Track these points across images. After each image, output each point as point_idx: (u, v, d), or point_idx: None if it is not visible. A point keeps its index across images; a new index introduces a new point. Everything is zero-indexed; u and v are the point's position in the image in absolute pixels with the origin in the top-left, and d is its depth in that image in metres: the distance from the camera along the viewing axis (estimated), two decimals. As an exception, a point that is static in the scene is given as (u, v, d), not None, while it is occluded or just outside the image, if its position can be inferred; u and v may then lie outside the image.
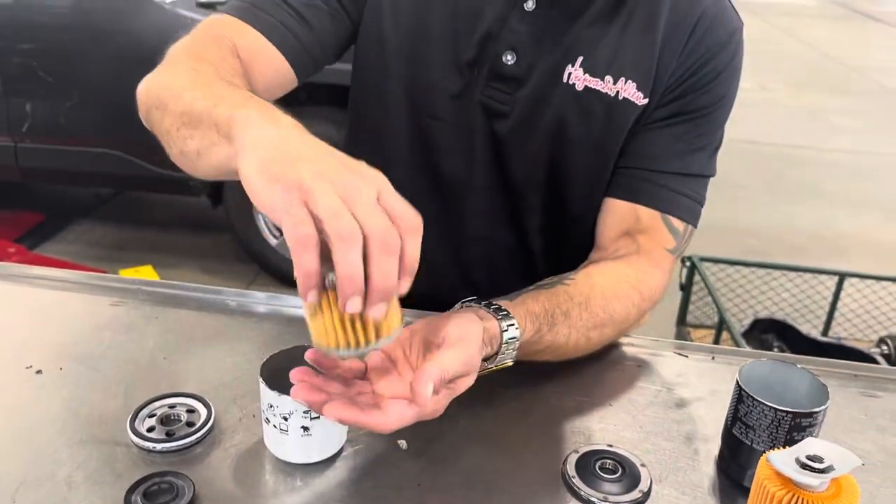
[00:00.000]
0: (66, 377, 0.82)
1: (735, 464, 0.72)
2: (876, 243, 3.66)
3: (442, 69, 0.91)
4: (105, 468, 0.70)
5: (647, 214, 0.90)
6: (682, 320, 2.40)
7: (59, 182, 3.47)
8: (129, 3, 2.76)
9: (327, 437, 0.71)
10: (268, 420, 0.71)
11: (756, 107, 5.42)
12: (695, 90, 0.87)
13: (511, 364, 0.76)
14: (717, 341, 2.15)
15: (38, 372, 0.83)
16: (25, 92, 2.87)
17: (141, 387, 0.81)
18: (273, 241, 2.86)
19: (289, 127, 0.60)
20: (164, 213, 3.55)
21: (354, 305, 0.54)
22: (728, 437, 0.73)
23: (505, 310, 0.74)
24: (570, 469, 0.72)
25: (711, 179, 0.94)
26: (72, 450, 0.72)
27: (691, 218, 0.92)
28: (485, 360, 0.72)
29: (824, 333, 2.44)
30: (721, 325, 2.12)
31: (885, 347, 2.24)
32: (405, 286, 0.56)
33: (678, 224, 0.91)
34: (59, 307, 0.97)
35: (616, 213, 0.92)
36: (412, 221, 0.56)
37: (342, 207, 0.53)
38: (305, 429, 0.70)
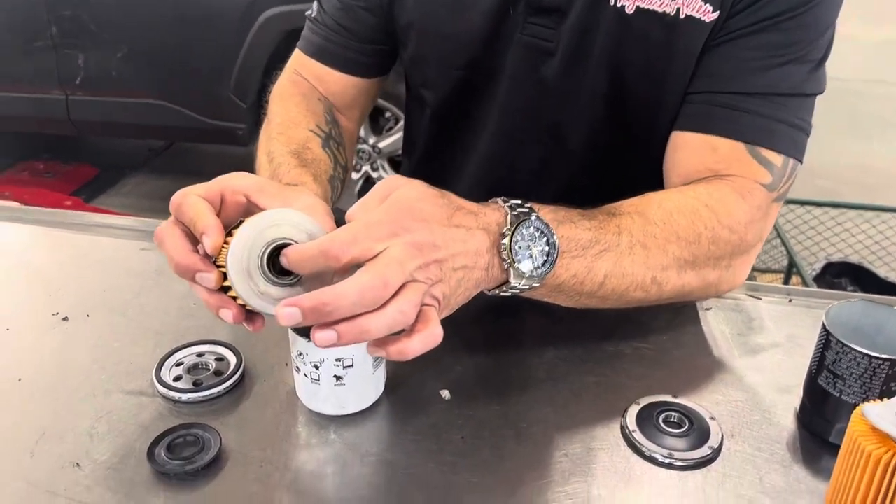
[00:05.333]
0: (93, 325, 0.78)
1: (820, 418, 0.64)
2: (958, 181, 3.43)
3: (476, 15, 0.82)
4: (129, 420, 0.66)
5: (727, 147, 0.74)
6: (748, 264, 2.28)
7: (111, 135, 3.49)
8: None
9: (363, 387, 0.66)
10: (298, 369, 0.65)
11: (827, 39, 5.08)
12: None
13: (535, 283, 0.61)
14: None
15: (65, 319, 0.79)
16: (76, 45, 2.87)
17: (169, 335, 0.76)
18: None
19: None
20: (215, 163, 3.55)
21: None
22: (812, 387, 0.64)
23: (520, 201, 0.62)
24: (631, 422, 0.65)
25: None
26: (96, 400, 0.68)
27: (791, 148, 0.75)
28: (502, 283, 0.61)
29: (904, 277, 2.28)
30: (790, 269, 2.00)
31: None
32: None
33: (772, 156, 0.74)
34: (87, 252, 0.93)
35: (687, 149, 0.77)
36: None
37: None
38: (338, 378, 0.64)
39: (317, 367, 0.64)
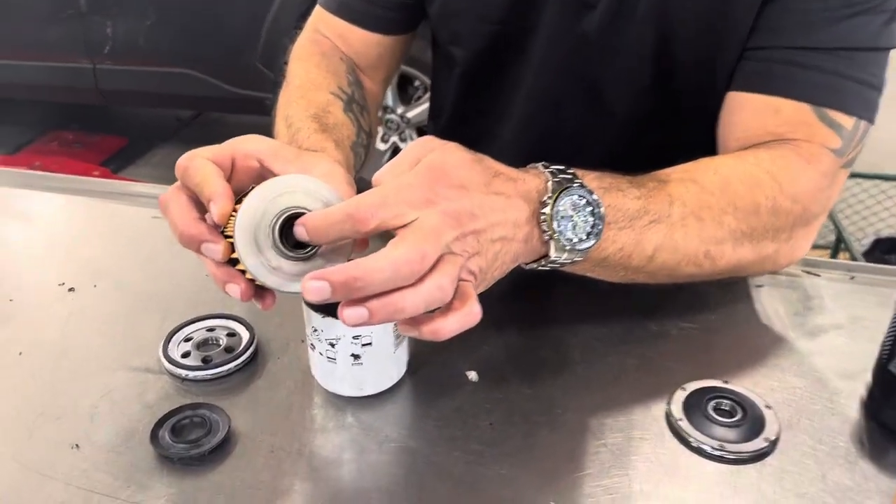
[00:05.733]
0: (100, 296, 0.74)
1: (891, 408, 0.57)
2: None
3: None
4: (133, 398, 0.61)
5: (791, 109, 0.66)
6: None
7: (139, 104, 3.47)
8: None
9: (382, 367, 0.61)
10: (313, 346, 0.60)
11: None
12: None
13: (578, 257, 0.55)
14: (832, 262, 1.94)
15: (71, 290, 0.75)
16: (104, 13, 2.84)
17: (179, 307, 0.71)
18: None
19: None
20: (243, 134, 3.50)
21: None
22: (882, 374, 0.58)
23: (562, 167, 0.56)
24: (677, 410, 0.59)
25: None
26: (98, 377, 0.64)
27: (862, 108, 0.67)
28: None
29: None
30: (838, 245, 1.91)
31: None
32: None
33: (842, 118, 0.66)
34: (101, 219, 0.89)
35: (745, 111, 0.69)
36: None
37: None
38: (356, 357, 0.59)
39: (332, 345, 0.58)
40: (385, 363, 0.60)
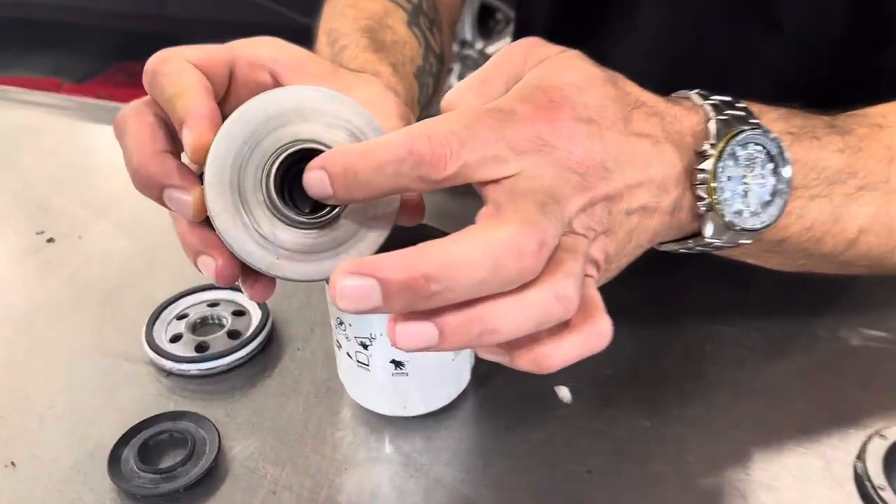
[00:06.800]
0: (82, 250, 0.58)
1: None
2: None
3: None
4: (98, 397, 0.45)
5: None
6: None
7: (208, 33, 3.34)
8: None
9: (435, 379, 0.42)
10: (339, 345, 0.42)
11: None
12: None
13: (746, 240, 0.34)
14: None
15: (50, 240, 0.59)
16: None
17: (177, 271, 0.55)
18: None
19: None
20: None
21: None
22: None
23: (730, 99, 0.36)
24: (875, 470, 0.39)
25: None
26: (61, 367, 0.48)
27: None
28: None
29: None
30: None
31: None
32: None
33: None
34: (83, 155, 0.73)
35: None
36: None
37: None
38: (398, 364, 0.41)
39: (365, 346, 0.40)
40: (439, 373, 0.42)
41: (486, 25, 2.59)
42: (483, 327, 0.27)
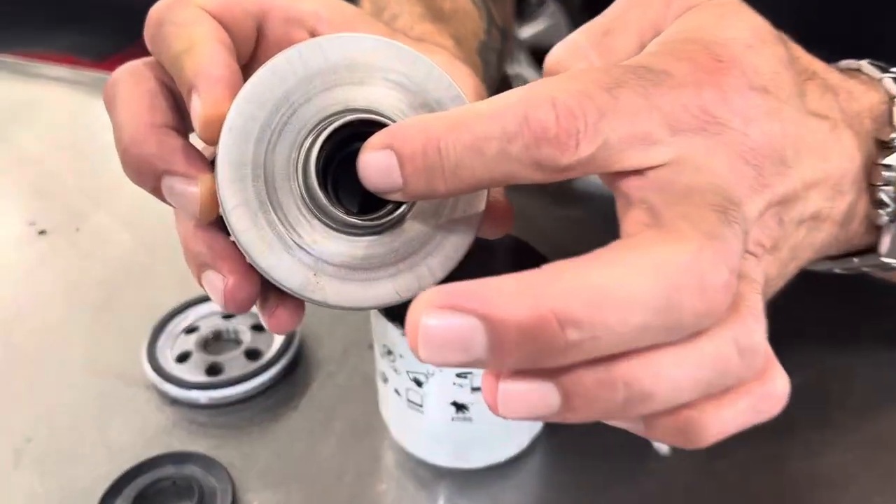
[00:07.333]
0: (78, 244, 0.50)
1: None
2: None
3: None
4: (88, 431, 0.37)
5: None
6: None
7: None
8: None
9: (503, 426, 0.34)
10: (385, 379, 0.34)
11: None
12: None
13: None
14: None
15: (42, 232, 0.51)
16: None
17: (186, 274, 0.46)
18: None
19: None
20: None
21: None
22: None
23: None
24: None
25: None
26: (43, 389, 0.40)
27: None
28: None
29: None
30: None
31: None
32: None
33: None
34: (88, 134, 0.64)
35: None
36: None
37: None
38: (461, 408, 0.32)
39: (419, 383, 0.32)
40: (507, 420, 0.34)
41: (519, 6, 2.49)
42: (630, 392, 0.18)
